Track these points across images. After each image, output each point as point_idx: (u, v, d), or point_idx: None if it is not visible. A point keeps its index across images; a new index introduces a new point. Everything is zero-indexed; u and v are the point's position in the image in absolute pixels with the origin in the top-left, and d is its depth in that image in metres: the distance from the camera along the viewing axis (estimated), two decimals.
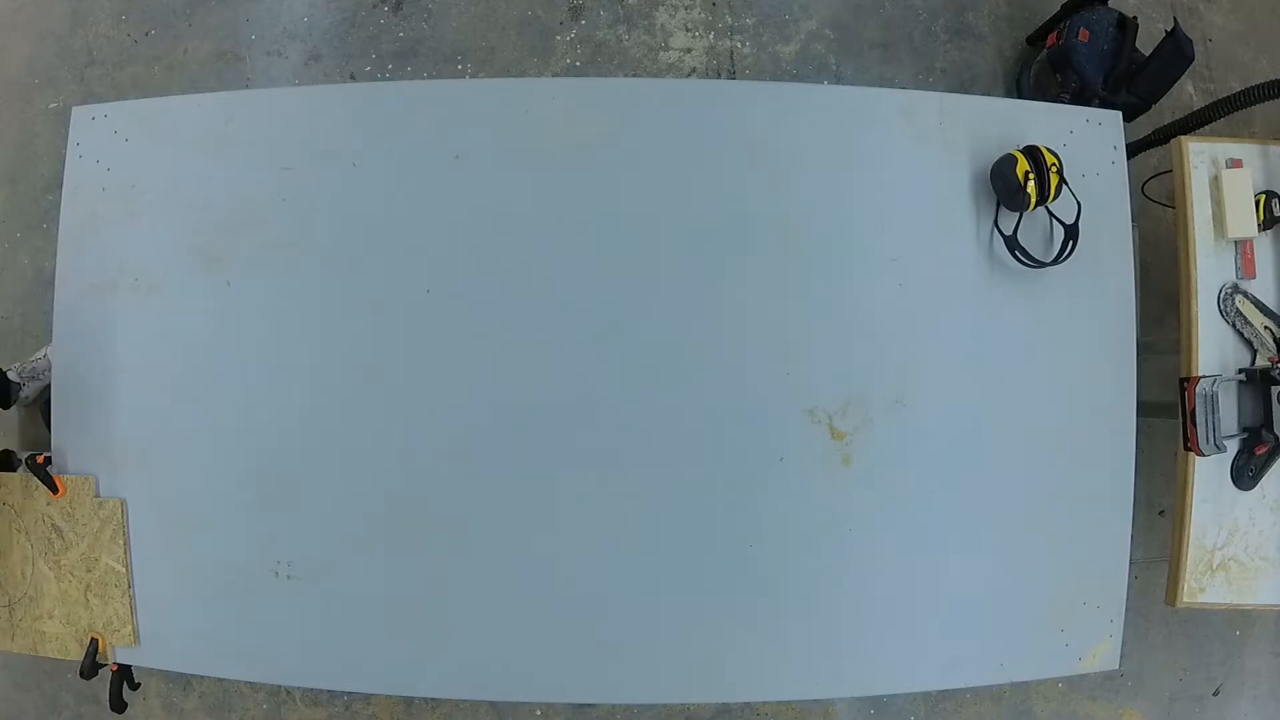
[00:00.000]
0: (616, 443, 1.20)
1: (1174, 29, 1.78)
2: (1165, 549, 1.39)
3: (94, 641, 1.20)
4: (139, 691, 1.54)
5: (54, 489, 1.20)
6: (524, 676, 1.19)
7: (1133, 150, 1.68)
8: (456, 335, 1.22)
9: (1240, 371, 1.36)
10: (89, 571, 1.22)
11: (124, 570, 1.21)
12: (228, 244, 1.23)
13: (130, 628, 1.20)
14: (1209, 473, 1.35)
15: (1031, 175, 1.17)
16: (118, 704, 1.23)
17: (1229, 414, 1.34)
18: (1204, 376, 1.33)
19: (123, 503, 1.21)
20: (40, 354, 1.41)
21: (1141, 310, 1.33)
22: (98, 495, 1.22)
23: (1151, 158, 1.75)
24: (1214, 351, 1.37)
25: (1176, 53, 1.78)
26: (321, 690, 1.94)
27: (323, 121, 1.26)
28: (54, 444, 1.23)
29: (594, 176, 1.24)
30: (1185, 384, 1.34)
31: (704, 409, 1.20)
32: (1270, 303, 1.39)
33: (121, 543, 1.20)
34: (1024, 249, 1.21)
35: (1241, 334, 1.38)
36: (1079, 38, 1.87)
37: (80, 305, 1.25)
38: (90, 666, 1.20)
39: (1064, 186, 1.20)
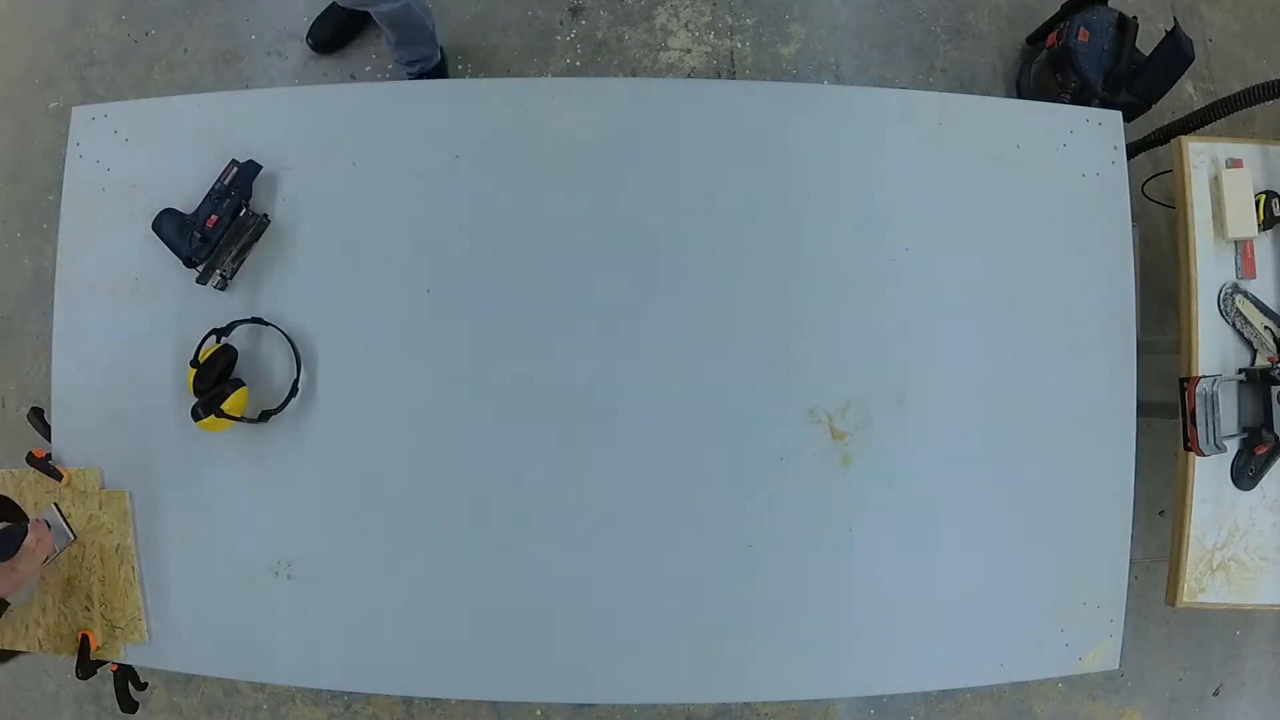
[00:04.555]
0: (616, 442, 1.20)
1: (1174, 29, 1.78)
2: (1165, 549, 1.39)
3: (84, 639, 1.20)
4: (140, 691, 1.55)
5: (57, 477, 1.19)
6: (524, 676, 1.19)
7: (1133, 150, 1.68)
8: (456, 335, 1.22)
9: (1240, 371, 1.36)
10: (102, 565, 1.21)
11: (133, 564, 1.20)
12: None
13: (141, 623, 1.20)
14: (1209, 473, 1.35)
15: None
16: (127, 704, 1.23)
17: (1229, 414, 1.34)
18: (1204, 376, 1.33)
19: (128, 493, 1.21)
20: None
21: (1141, 310, 1.33)
22: (103, 487, 1.22)
23: (1151, 158, 1.75)
24: (1214, 351, 1.37)
25: (1176, 53, 1.78)
26: (321, 690, 1.94)
27: (323, 121, 1.26)
28: (54, 444, 1.24)
29: (594, 176, 1.24)
30: (1185, 384, 1.34)
31: (704, 409, 1.21)
32: (1270, 303, 1.39)
33: (130, 534, 1.20)
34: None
35: (1241, 334, 1.38)
36: (1079, 38, 1.87)
37: (80, 305, 1.25)
38: (86, 666, 1.19)
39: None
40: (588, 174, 1.24)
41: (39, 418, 1.26)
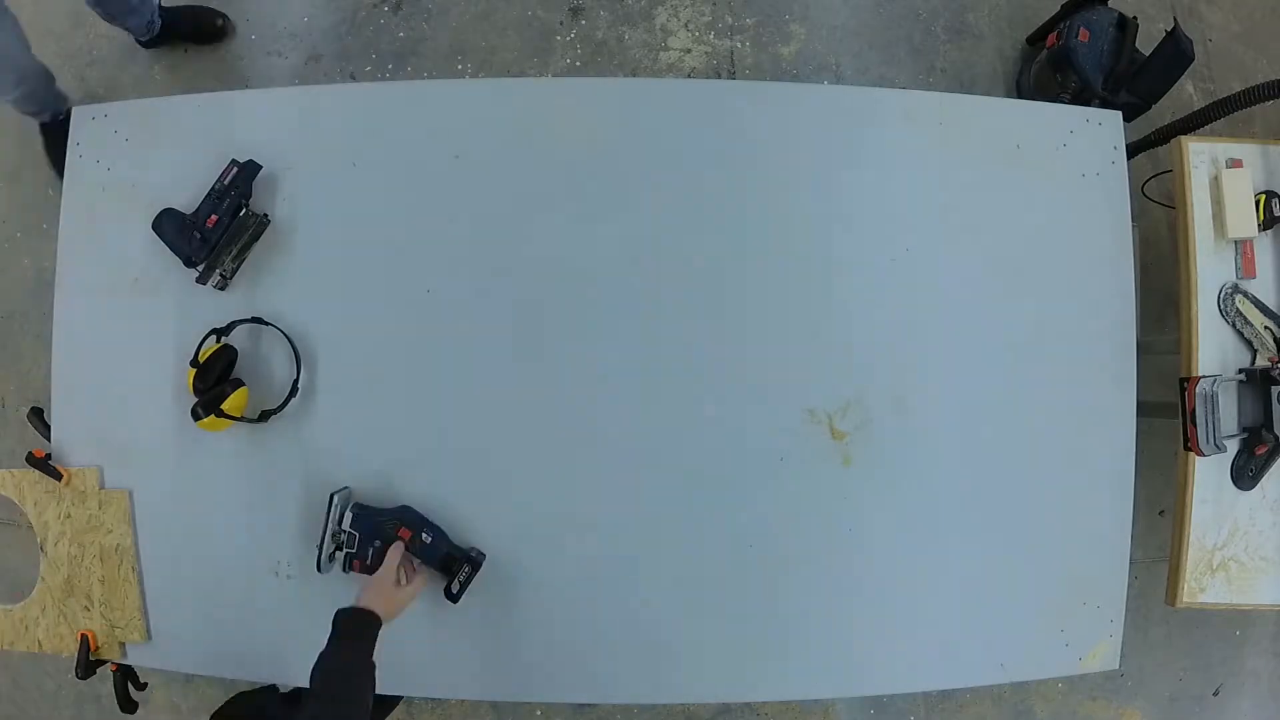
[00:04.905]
0: (616, 442, 1.20)
1: (1174, 29, 1.78)
2: (1165, 549, 1.39)
3: (84, 639, 1.19)
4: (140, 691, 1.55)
5: (57, 476, 1.19)
6: (524, 676, 1.19)
7: (1133, 150, 1.68)
8: (456, 335, 1.22)
9: (1240, 371, 1.36)
10: (101, 565, 1.21)
11: (133, 564, 1.20)
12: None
13: (141, 623, 1.20)
14: (1209, 473, 1.35)
15: None
16: (126, 705, 1.23)
17: (1229, 414, 1.34)
18: (1204, 376, 1.33)
19: (129, 493, 1.21)
20: None
21: (1141, 310, 1.33)
22: (103, 487, 1.22)
23: (1151, 158, 1.75)
24: (1214, 351, 1.37)
25: (1176, 53, 1.78)
26: None
27: (323, 121, 1.26)
28: (54, 443, 1.24)
29: (594, 176, 1.24)
30: (1185, 384, 1.34)
31: (704, 409, 1.20)
32: (1270, 303, 1.39)
33: (130, 534, 1.20)
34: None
35: (1241, 334, 1.38)
36: (1079, 38, 1.87)
37: (80, 305, 1.25)
38: (86, 666, 1.19)
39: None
40: (587, 174, 1.24)
41: (39, 418, 1.26)
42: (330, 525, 1.12)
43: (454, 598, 1.12)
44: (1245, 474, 1.35)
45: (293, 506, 1.20)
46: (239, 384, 1.15)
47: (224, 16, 2.06)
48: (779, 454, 1.21)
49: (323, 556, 1.12)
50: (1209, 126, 1.54)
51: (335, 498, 1.14)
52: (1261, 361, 1.37)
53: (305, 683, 0.93)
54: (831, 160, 1.26)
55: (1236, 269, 1.40)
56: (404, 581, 1.08)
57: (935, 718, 1.98)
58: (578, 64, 2.14)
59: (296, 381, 1.18)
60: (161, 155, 1.26)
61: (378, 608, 1.00)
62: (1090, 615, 1.23)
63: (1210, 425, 1.30)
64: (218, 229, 1.17)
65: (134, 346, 1.23)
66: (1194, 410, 1.30)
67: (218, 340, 1.16)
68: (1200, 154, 1.42)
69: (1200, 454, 1.31)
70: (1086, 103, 1.84)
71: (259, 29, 2.16)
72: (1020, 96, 2.14)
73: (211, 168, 1.21)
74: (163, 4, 1.98)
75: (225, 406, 1.12)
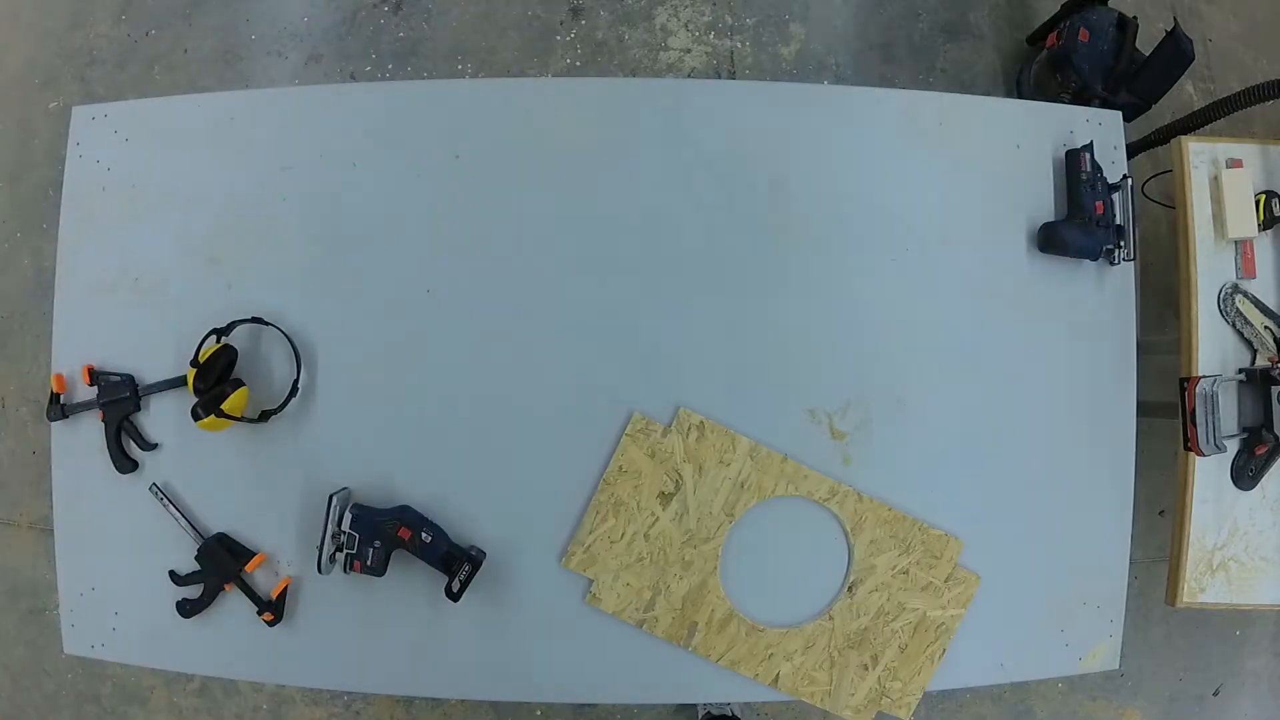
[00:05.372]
0: (614, 440, 1.20)
1: (1174, 29, 1.78)
2: (1165, 549, 1.39)
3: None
4: (141, 691, 1.54)
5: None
6: (524, 676, 1.19)
7: (1133, 150, 1.68)
8: (456, 335, 1.22)
9: (1240, 371, 1.36)
10: None
11: None
12: (228, 244, 1.23)
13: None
14: (1209, 473, 1.35)
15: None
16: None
17: (1229, 414, 1.34)
18: (1204, 376, 1.33)
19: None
20: None
21: (1141, 310, 1.33)
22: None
23: (1151, 158, 1.75)
24: (1214, 351, 1.37)
25: (1176, 53, 1.78)
26: (322, 690, 1.94)
27: (323, 121, 1.26)
28: (54, 442, 1.23)
29: (594, 176, 1.24)
30: (1185, 384, 1.34)
31: (704, 409, 1.20)
32: (1270, 303, 1.39)
33: None
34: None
35: (1241, 334, 1.38)
36: (1079, 38, 1.87)
37: (80, 305, 1.25)
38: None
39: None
40: (587, 174, 1.24)
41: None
42: (330, 526, 1.13)
43: (454, 596, 1.12)
44: (1245, 474, 1.35)
45: (293, 507, 1.20)
46: (239, 384, 1.15)
47: None
48: (779, 453, 1.21)
49: (323, 558, 1.12)
50: (1209, 126, 1.54)
51: (334, 499, 1.14)
52: (1261, 361, 1.37)
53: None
54: (831, 160, 1.26)
55: (1236, 269, 1.40)
56: None
57: (935, 718, 1.99)
58: (578, 64, 2.14)
59: (296, 381, 1.18)
60: (161, 155, 1.26)
61: None
62: (1090, 615, 1.23)
63: (1210, 425, 1.30)
64: None
65: (134, 346, 1.23)
66: (1194, 410, 1.30)
67: (218, 340, 1.16)
68: (1200, 154, 1.42)
69: (1200, 454, 1.31)
70: (1086, 103, 1.84)
71: (259, 29, 2.16)
72: (1020, 96, 2.14)
73: (211, 167, 1.20)
74: None
75: (225, 406, 1.12)
